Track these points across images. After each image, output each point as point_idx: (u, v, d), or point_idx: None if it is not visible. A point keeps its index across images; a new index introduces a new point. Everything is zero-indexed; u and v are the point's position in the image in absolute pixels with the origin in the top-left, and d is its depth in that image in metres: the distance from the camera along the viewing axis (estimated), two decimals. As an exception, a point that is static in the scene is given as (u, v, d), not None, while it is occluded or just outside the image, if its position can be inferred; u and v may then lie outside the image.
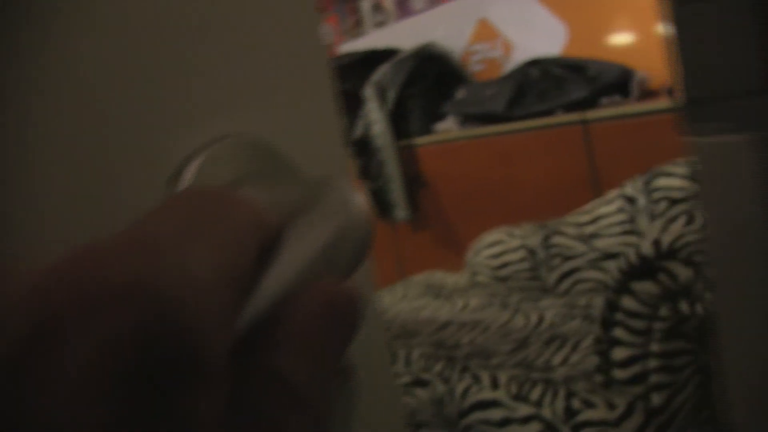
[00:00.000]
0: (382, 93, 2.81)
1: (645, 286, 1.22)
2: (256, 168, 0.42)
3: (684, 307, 1.17)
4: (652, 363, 1.25)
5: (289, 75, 0.51)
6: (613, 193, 1.94)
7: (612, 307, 1.29)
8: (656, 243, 1.19)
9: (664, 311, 1.20)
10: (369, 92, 2.83)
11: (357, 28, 3.85)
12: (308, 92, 0.52)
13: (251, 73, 0.49)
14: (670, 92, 2.13)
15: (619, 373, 1.30)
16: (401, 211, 2.78)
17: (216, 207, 0.22)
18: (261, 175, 0.42)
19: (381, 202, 2.86)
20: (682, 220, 1.22)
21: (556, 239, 2.05)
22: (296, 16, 0.52)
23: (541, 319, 1.85)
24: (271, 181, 0.41)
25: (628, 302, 1.24)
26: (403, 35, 3.40)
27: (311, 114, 0.53)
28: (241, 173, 0.41)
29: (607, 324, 1.32)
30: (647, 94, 2.26)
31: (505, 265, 2.20)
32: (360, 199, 0.30)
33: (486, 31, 3.00)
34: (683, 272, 1.16)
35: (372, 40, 3.66)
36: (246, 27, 0.49)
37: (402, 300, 2.37)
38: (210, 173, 0.40)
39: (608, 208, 1.91)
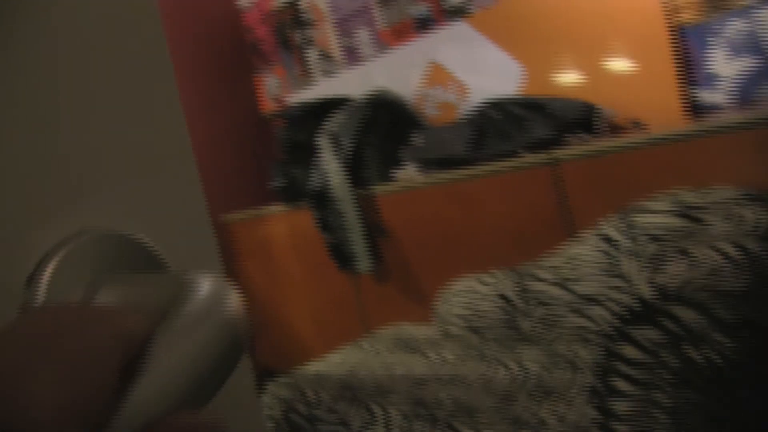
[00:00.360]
0: (336, 142, 2.72)
1: (646, 333, 1.13)
2: (120, 265, 0.40)
3: (692, 353, 1.09)
4: (660, 416, 1.15)
5: (152, 162, 0.48)
6: (587, 233, 1.87)
7: (610, 356, 1.20)
8: (657, 286, 1.11)
9: (670, 359, 1.12)
10: (323, 142, 2.74)
11: (305, 78, 3.78)
12: (172, 178, 0.49)
13: (112, 162, 0.46)
14: (637, 125, 2.09)
15: (622, 428, 1.21)
16: (363, 263, 2.67)
17: (71, 328, 0.20)
18: (125, 274, 0.39)
19: (342, 255, 2.75)
20: (680, 260, 1.14)
21: (532, 285, 1.97)
22: (157, 101, 0.49)
23: (523, 371, 1.75)
24: (136, 281, 0.38)
25: (628, 351, 1.15)
26: (352, 83, 3.34)
27: (177, 200, 0.50)
28: (103, 272, 0.38)
29: (605, 374, 1.23)
30: (612, 129, 2.22)
31: (477, 314, 2.10)
32: (230, 299, 0.29)
33: (438, 74, 2.95)
34: (689, 316, 1.08)
35: (321, 89, 3.59)
36: (104, 112, 0.46)
37: (372, 356, 2.25)
38: (70, 274, 0.37)
39: (584, 249, 1.84)
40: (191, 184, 0.53)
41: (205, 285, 0.29)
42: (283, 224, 3.27)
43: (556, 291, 1.88)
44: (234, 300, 0.30)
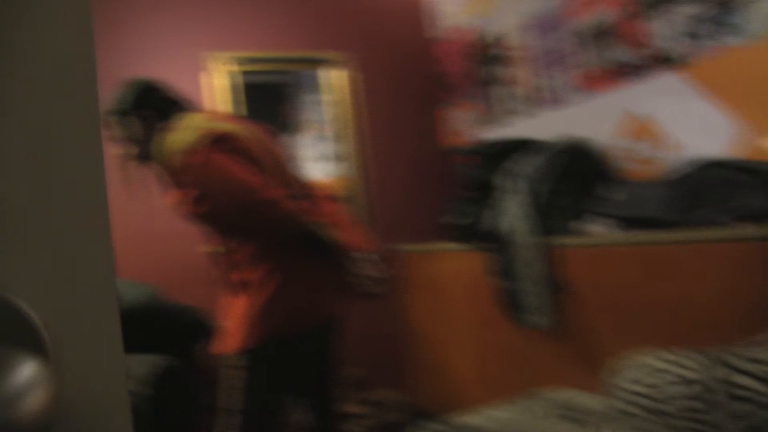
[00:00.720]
0: (523, 186, 2.59)
1: None
2: None
3: None
4: None
5: (63, 231, 0.46)
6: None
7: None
8: None
9: None
10: (509, 185, 2.62)
11: (495, 116, 3.68)
12: (83, 248, 0.48)
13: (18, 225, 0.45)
14: None
15: None
16: (538, 317, 2.51)
17: None
18: None
19: (515, 305, 2.60)
20: None
21: (729, 374, 1.73)
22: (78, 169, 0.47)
23: (712, 474, 1.52)
24: None
25: None
26: (545, 126, 3.20)
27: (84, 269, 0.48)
28: None
29: None
30: None
31: (660, 396, 1.88)
32: (28, 399, 0.28)
33: (640, 126, 2.75)
34: None
35: (511, 129, 3.48)
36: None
37: (533, 419, 2.09)
38: None
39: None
40: (103, 257, 0.49)
41: (13, 375, 0.28)
42: (456, 263, 3.17)
43: (760, 388, 1.63)
44: (32, 400, 0.28)
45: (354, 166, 3.88)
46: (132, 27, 3.52)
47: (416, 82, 4.12)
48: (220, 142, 1.85)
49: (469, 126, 3.91)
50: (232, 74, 3.63)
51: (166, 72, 3.19)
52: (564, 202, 2.57)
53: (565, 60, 3.15)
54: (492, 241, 2.65)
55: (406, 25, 4.14)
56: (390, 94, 4.03)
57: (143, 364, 2.30)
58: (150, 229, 3.40)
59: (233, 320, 1.94)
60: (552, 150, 2.69)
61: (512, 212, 2.58)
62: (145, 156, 2.03)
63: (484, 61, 3.74)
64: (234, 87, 3.63)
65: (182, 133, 1.86)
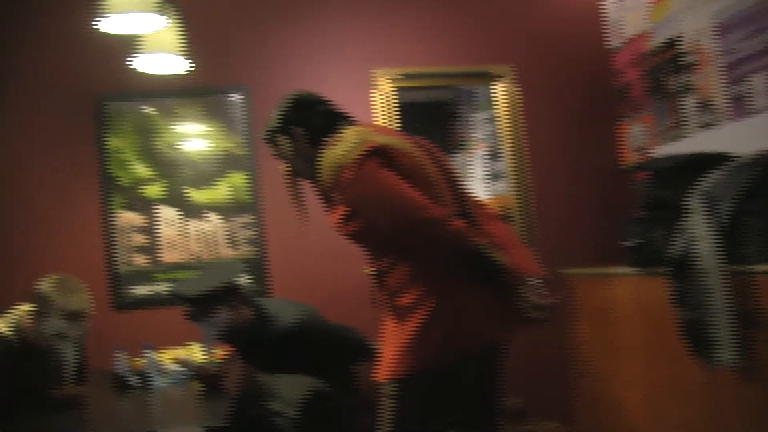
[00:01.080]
0: (711, 206, 2.30)
1: None
2: None
3: None
4: None
5: None
6: None
7: None
8: None
9: None
10: (695, 203, 2.34)
11: (679, 129, 3.37)
12: None
13: None
14: None
15: None
16: (726, 353, 2.21)
17: None
18: None
19: (698, 338, 2.31)
20: None
21: None
22: None
23: None
24: None
25: None
26: (738, 139, 2.88)
27: None
28: None
29: None
30: None
31: None
32: None
33: None
34: None
35: (697, 142, 3.17)
36: None
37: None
38: None
39: None
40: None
41: None
42: (630, 288, 2.90)
43: None
44: None
45: (517, 185, 3.69)
46: (300, 42, 3.56)
47: (589, 95, 3.88)
48: (376, 155, 1.74)
49: (650, 140, 3.61)
50: (394, 90, 3.58)
51: (335, 88, 3.15)
52: (757, 223, 2.26)
53: (763, 61, 2.81)
54: (672, 265, 2.38)
55: (581, 35, 3.92)
56: (559, 109, 3.83)
57: (297, 385, 2.25)
58: (314, 249, 3.41)
59: (389, 347, 1.83)
60: (744, 165, 2.38)
61: (696, 234, 2.30)
62: (300, 173, 1.99)
63: (667, 70, 3.44)
64: (394, 102, 3.58)
65: (337, 148, 1.79)
